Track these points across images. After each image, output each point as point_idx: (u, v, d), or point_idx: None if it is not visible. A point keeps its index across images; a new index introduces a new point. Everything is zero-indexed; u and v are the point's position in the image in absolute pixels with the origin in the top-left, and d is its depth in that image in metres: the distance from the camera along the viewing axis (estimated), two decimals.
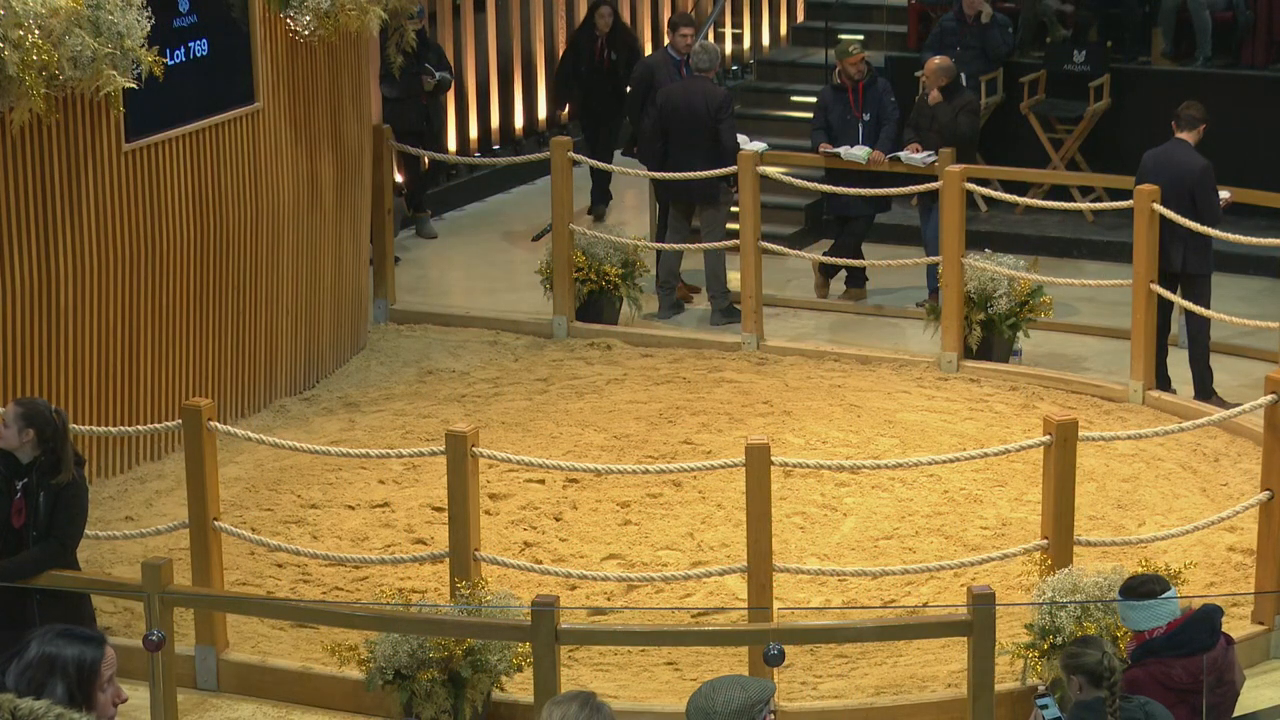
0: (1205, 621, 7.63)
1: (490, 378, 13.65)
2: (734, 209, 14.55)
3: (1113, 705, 6.92)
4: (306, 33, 12.79)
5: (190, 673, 9.68)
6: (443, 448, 9.52)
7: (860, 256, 15.01)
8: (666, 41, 15.90)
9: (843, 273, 15.31)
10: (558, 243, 14.30)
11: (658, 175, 14.74)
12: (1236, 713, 7.79)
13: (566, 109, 15.96)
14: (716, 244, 14.51)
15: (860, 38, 16.69)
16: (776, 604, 9.58)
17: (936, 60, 15.03)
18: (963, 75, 15.54)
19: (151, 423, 11.48)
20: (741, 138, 14.76)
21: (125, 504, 11.51)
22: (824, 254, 15.27)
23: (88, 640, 5.34)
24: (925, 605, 10.26)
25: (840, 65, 15.07)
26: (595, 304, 14.44)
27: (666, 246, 14.84)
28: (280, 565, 10.86)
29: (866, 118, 14.87)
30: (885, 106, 14.88)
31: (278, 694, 9.64)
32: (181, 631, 9.72)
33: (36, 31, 10.34)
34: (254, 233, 12.67)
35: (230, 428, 10.45)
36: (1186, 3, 17.05)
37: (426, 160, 16.30)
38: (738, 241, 14.07)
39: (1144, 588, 7.74)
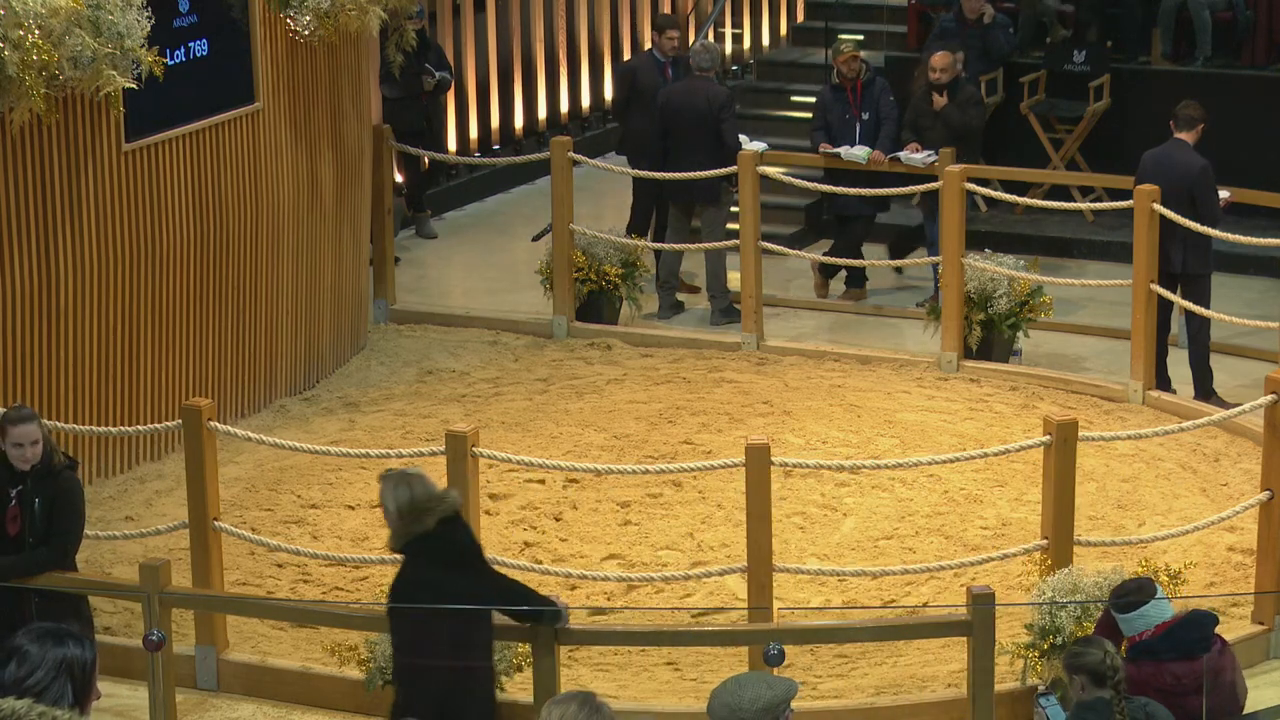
0: (1195, 626, 7.64)
1: (490, 378, 13.65)
2: (734, 209, 14.56)
3: (1119, 705, 6.93)
4: (306, 33, 12.79)
5: (190, 673, 9.68)
6: (443, 448, 9.52)
7: (860, 257, 15.01)
8: (654, 42, 15.87)
9: (843, 273, 15.31)
10: (558, 243, 14.30)
11: (658, 175, 14.75)
12: None
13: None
14: (717, 244, 14.51)
15: (860, 38, 16.68)
16: (776, 604, 9.58)
17: (944, 55, 14.95)
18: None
19: (151, 423, 11.48)
20: (742, 137, 14.76)
21: (125, 504, 11.51)
22: (823, 254, 15.27)
23: (81, 641, 5.34)
24: (925, 605, 10.26)
25: (835, 64, 15.09)
26: (595, 304, 14.44)
27: (666, 246, 14.84)
28: (280, 565, 10.86)
29: (865, 117, 14.87)
30: (883, 106, 14.88)
31: (278, 694, 9.64)
32: (181, 632, 9.73)
33: (36, 31, 10.34)
34: (254, 233, 12.67)
35: (230, 428, 10.45)
36: (1186, 3, 17.05)
37: (426, 160, 16.30)
38: (738, 241, 14.07)
39: (1126, 599, 7.75)
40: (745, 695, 5.65)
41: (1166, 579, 9.34)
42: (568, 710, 5.38)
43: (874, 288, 15.37)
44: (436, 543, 7.85)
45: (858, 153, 14.67)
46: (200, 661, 9.74)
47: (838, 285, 15.38)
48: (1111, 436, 10.99)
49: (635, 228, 15.26)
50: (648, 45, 20.00)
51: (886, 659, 9.85)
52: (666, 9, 20.37)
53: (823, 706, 9.29)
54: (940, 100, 14.77)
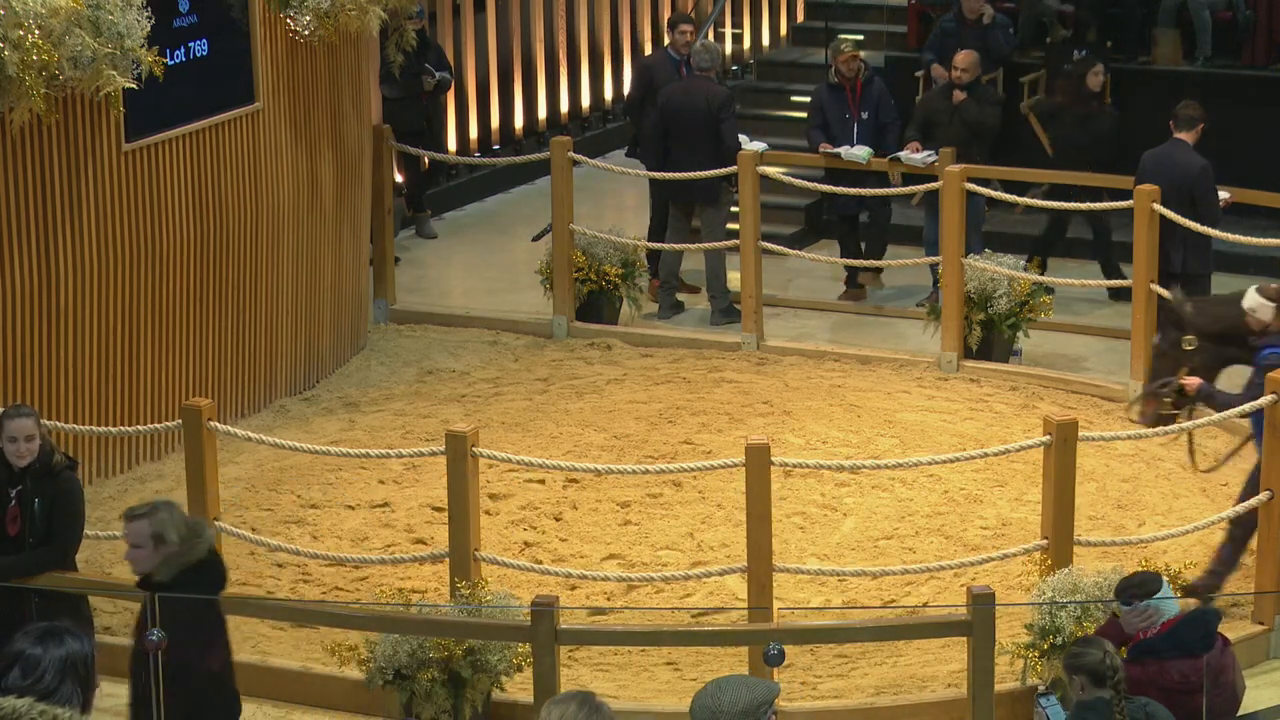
0: (1199, 624, 7.64)
1: (490, 378, 13.65)
2: (734, 209, 14.56)
3: (1119, 705, 6.93)
4: (306, 33, 12.79)
5: None
6: (443, 448, 9.52)
7: (880, 250, 15.08)
8: (667, 41, 15.89)
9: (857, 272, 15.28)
10: (558, 243, 14.31)
11: (658, 175, 14.75)
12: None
13: None
14: (716, 244, 14.51)
15: (859, 37, 16.68)
16: (776, 604, 9.58)
17: (969, 55, 14.98)
18: None
19: (151, 423, 11.48)
20: (742, 137, 14.76)
21: (125, 504, 11.44)
22: (865, 254, 15.21)
23: (79, 635, 5.31)
24: (925, 605, 10.26)
25: (834, 63, 15.09)
26: (595, 304, 14.44)
27: (666, 246, 14.84)
28: (280, 565, 10.86)
29: (864, 116, 14.88)
30: (884, 108, 14.90)
31: (278, 694, 9.63)
32: None
33: (36, 31, 10.34)
34: (254, 233, 12.67)
35: (230, 428, 10.45)
36: (1186, 3, 17.05)
37: (426, 160, 16.31)
38: (738, 241, 14.08)
39: (1129, 592, 7.74)
40: (724, 698, 5.65)
41: (1167, 579, 9.33)
42: (567, 710, 5.38)
43: (874, 287, 15.38)
44: (210, 569, 7.63)
45: (858, 153, 14.67)
46: None
47: (866, 279, 15.35)
48: (1111, 436, 10.99)
49: (655, 231, 15.24)
50: (648, 44, 20.06)
51: (886, 659, 9.85)
52: (667, 9, 20.37)
53: (823, 706, 9.29)
54: (959, 93, 14.79)
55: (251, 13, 12.46)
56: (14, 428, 8.67)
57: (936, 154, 14.31)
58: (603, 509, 11.50)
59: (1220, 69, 16.98)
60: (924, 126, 14.91)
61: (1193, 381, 10.35)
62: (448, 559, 9.63)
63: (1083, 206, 15.60)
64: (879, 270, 15.27)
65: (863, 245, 15.31)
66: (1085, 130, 15.13)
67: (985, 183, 14.86)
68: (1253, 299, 10.30)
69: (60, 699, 5.12)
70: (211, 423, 9.68)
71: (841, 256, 15.17)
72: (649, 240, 14.96)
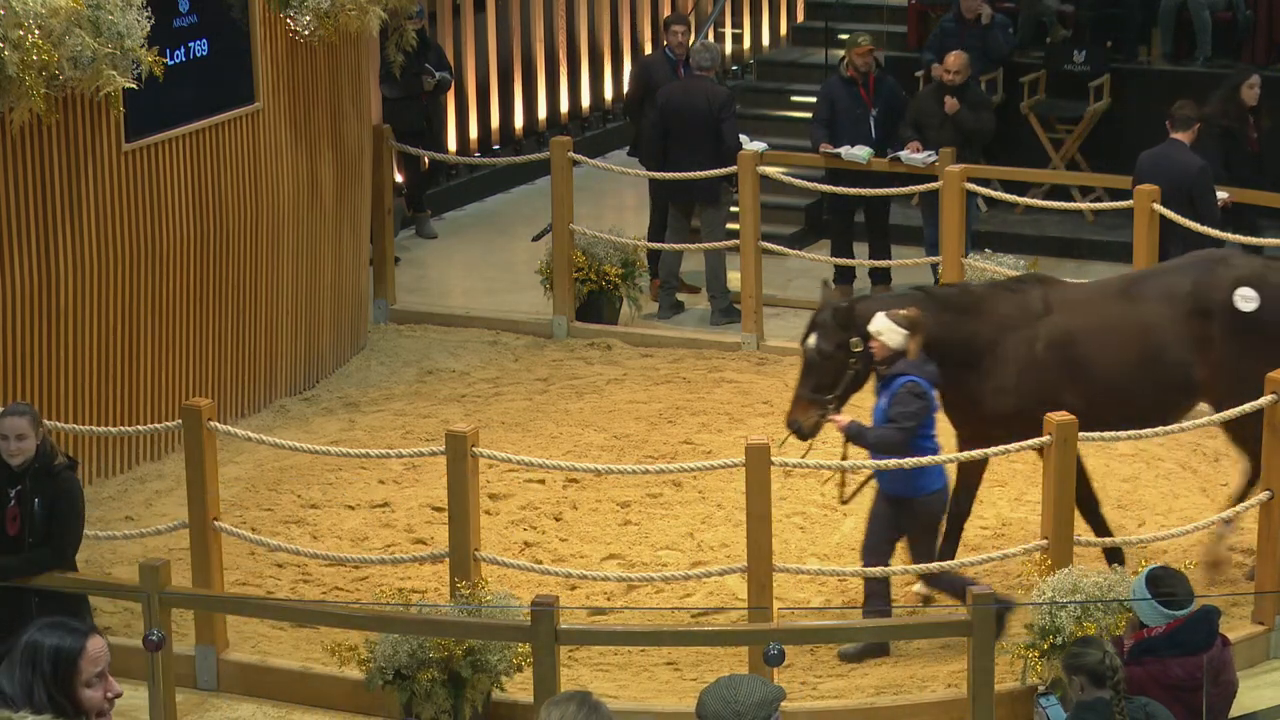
0: (1205, 622, 7.64)
1: (490, 378, 13.65)
2: (734, 209, 14.56)
3: (1119, 705, 6.93)
4: (306, 33, 12.79)
5: (190, 673, 9.68)
6: (443, 448, 9.52)
7: (885, 251, 15.06)
8: (665, 42, 15.90)
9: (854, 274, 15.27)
10: (558, 243, 14.30)
11: (658, 175, 14.75)
12: (1235, 712, 7.80)
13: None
14: (716, 244, 14.51)
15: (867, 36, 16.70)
16: (776, 604, 9.58)
17: (959, 56, 14.92)
18: None
19: (151, 423, 11.48)
20: (742, 137, 14.75)
21: (125, 504, 11.51)
22: (870, 256, 15.17)
23: (71, 631, 5.14)
24: (925, 605, 10.26)
25: (848, 56, 15.05)
26: (595, 304, 14.44)
27: (666, 246, 14.84)
28: (280, 565, 10.86)
29: (875, 111, 14.88)
30: (895, 105, 14.92)
31: (278, 694, 9.64)
32: (181, 632, 9.73)
33: (36, 31, 10.34)
34: (254, 233, 12.67)
35: (230, 428, 10.45)
36: (1186, 3, 17.05)
37: (426, 160, 16.30)
38: (738, 241, 14.07)
39: (1167, 589, 7.71)
40: (741, 690, 5.66)
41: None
42: (566, 710, 5.37)
43: (860, 286, 15.37)
44: None
45: (858, 153, 14.66)
46: (200, 661, 9.74)
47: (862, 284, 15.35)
48: (1111, 437, 10.97)
49: (655, 231, 15.22)
50: (648, 44, 20.07)
51: (886, 659, 9.85)
52: (667, 9, 20.38)
53: (823, 706, 9.29)
54: (952, 103, 14.76)
55: (251, 13, 12.46)
56: (6, 426, 8.67)
57: (937, 154, 14.30)
58: (603, 509, 11.50)
59: (1220, 69, 16.97)
60: (916, 127, 14.90)
61: (841, 421, 9.79)
62: (448, 559, 9.63)
63: (1082, 206, 15.65)
64: (889, 281, 15.23)
65: (869, 247, 15.29)
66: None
67: (985, 183, 14.86)
68: (881, 323, 9.65)
69: (37, 700, 4.99)
70: (211, 423, 9.68)
71: (833, 255, 15.14)
72: (649, 240, 14.97)
